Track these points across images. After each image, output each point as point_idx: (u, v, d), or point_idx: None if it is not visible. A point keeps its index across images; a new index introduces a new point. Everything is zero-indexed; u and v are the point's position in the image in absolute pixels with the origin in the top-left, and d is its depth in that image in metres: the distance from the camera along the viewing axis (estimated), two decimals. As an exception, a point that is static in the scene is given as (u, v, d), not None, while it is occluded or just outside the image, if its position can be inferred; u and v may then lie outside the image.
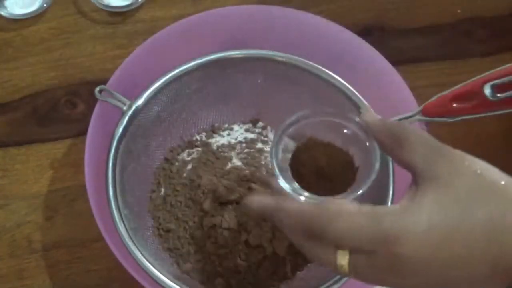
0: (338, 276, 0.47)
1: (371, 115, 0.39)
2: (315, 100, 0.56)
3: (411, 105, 0.53)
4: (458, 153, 0.36)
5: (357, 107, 0.52)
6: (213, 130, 0.60)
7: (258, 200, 0.39)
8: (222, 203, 0.53)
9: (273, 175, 0.39)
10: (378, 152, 0.38)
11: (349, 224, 0.34)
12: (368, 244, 0.33)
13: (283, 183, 0.38)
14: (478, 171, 0.35)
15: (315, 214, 0.35)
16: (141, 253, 0.45)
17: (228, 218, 0.52)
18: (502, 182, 0.34)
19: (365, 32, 0.67)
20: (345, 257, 0.34)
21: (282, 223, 0.37)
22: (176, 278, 0.45)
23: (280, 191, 0.39)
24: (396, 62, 0.56)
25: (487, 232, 0.33)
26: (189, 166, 0.57)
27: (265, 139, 0.59)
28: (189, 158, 0.58)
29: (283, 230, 0.37)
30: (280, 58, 0.53)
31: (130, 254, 0.45)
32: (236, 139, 0.59)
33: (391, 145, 0.37)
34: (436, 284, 0.34)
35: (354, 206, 0.35)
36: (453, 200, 0.33)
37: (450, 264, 0.33)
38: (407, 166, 0.36)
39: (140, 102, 0.50)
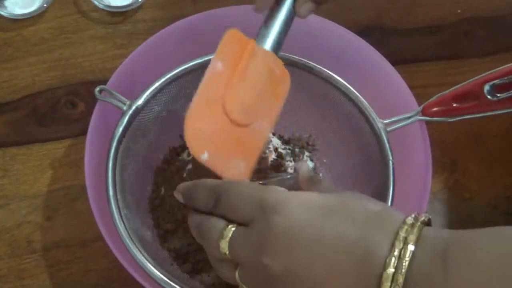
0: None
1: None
2: (314, 100, 0.56)
3: (411, 105, 0.53)
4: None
5: (357, 107, 0.52)
6: (213, 130, 0.59)
7: (184, 184, 0.42)
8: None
9: None
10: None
11: (241, 189, 0.37)
12: (251, 208, 0.36)
13: None
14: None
15: (221, 183, 0.39)
16: (141, 253, 0.45)
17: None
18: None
19: (365, 32, 0.67)
20: (230, 231, 0.36)
21: (197, 197, 0.40)
22: (176, 278, 0.45)
23: None
24: (396, 62, 0.56)
25: (363, 223, 0.33)
26: (189, 166, 0.57)
27: (265, 139, 0.59)
28: (189, 158, 0.58)
29: (195, 205, 0.40)
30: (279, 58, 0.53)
31: (130, 254, 0.45)
32: (236, 139, 0.59)
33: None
34: (302, 268, 0.33)
35: (251, 182, 0.40)
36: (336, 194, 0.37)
37: (316, 249, 0.33)
38: None
39: (140, 102, 0.50)
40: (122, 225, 0.46)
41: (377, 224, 0.33)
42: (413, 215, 0.33)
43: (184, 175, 0.56)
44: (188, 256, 0.52)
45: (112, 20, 0.67)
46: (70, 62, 0.64)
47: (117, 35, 0.66)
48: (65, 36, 0.66)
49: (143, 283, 0.44)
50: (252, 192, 0.37)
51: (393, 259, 0.31)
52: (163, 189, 0.56)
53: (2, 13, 0.65)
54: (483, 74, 0.50)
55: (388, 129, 0.51)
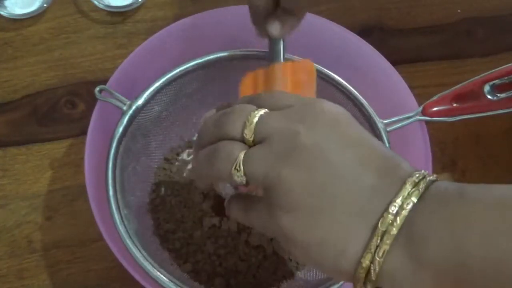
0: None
1: None
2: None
3: (411, 105, 0.53)
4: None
5: (357, 107, 0.52)
6: (213, 130, 0.59)
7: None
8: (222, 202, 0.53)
9: None
10: None
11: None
12: (294, 99, 0.35)
13: None
14: None
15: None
16: (141, 253, 0.45)
17: (228, 218, 0.53)
18: None
19: (365, 32, 0.67)
20: (261, 110, 0.35)
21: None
22: (176, 278, 0.45)
23: None
24: (396, 62, 0.56)
25: (384, 157, 0.33)
26: (189, 166, 0.57)
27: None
28: (189, 158, 0.58)
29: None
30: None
31: (130, 254, 0.45)
32: (236, 139, 0.59)
33: None
34: (331, 151, 0.33)
35: None
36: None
37: (347, 143, 0.33)
38: None
39: (140, 102, 0.50)
40: (122, 225, 0.46)
41: (396, 159, 0.33)
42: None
43: (184, 175, 0.56)
44: (188, 256, 0.52)
45: (112, 20, 0.67)
46: (70, 62, 0.64)
47: (117, 35, 0.66)
48: (65, 36, 0.66)
49: (143, 283, 0.44)
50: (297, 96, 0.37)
51: (414, 177, 0.31)
52: (163, 189, 0.56)
53: (2, 13, 0.65)
54: (483, 74, 0.50)
55: (388, 129, 0.51)
